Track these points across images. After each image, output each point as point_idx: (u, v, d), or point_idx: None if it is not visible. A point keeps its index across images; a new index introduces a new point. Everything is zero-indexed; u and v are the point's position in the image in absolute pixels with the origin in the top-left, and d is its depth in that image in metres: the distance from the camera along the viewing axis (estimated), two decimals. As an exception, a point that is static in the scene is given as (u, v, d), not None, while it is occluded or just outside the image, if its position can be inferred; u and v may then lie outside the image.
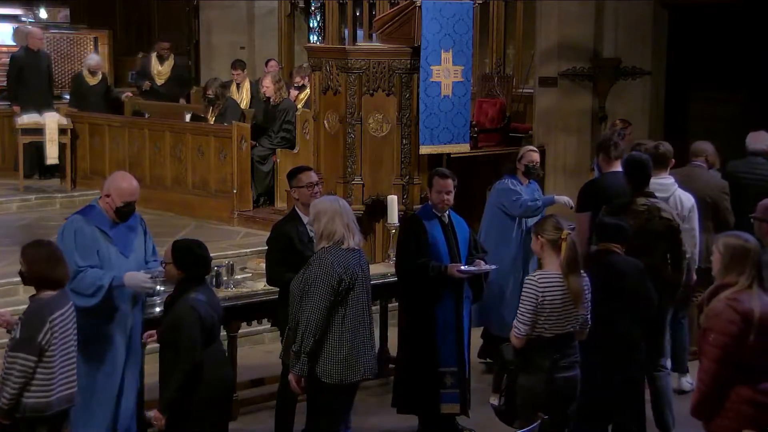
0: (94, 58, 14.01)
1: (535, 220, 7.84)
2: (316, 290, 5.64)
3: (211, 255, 9.28)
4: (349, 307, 5.75)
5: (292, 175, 6.85)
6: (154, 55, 14.20)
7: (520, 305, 5.55)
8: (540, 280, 5.52)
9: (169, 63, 14.15)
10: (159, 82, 14.09)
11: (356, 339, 5.78)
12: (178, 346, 5.45)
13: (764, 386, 4.94)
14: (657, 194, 7.43)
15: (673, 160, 7.89)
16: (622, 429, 6.31)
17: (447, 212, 6.93)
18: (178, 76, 14.29)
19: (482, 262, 6.91)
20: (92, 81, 13.54)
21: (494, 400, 5.84)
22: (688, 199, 7.65)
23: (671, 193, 7.63)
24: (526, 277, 5.68)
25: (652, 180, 7.57)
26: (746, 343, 4.87)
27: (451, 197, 6.87)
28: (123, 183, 6.16)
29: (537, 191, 8.51)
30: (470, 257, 6.94)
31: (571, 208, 8.18)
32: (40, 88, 13.11)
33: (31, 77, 13.04)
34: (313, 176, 6.82)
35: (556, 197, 8.46)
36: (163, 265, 5.77)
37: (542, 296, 5.48)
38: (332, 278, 5.65)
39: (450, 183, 6.86)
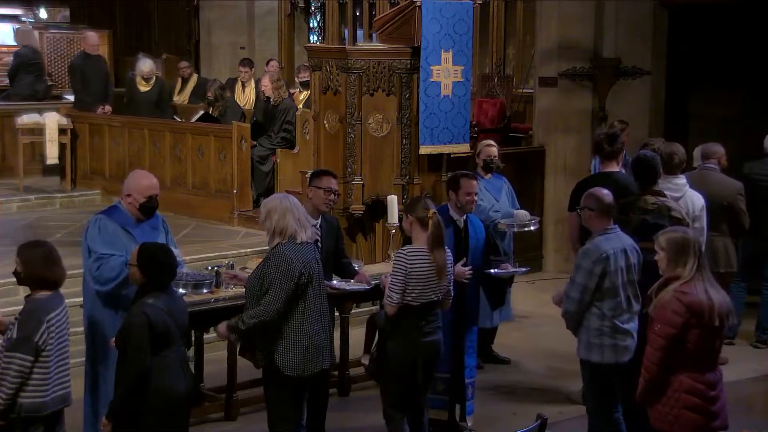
0: (147, 63, 13.00)
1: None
2: (276, 285, 5.71)
3: (211, 255, 9.30)
4: (308, 301, 5.84)
5: (317, 174, 6.91)
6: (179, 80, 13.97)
7: (392, 277, 6.07)
8: (408, 254, 6.05)
9: (192, 83, 13.83)
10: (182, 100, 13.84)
11: (315, 331, 5.88)
12: (126, 350, 5.39)
13: (704, 376, 5.22)
14: (669, 193, 7.50)
15: (685, 162, 7.93)
16: None
17: (464, 217, 6.94)
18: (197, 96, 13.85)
19: (509, 265, 6.97)
20: (145, 87, 12.92)
21: (365, 360, 6.53)
22: (699, 199, 7.71)
23: (683, 193, 7.67)
24: (397, 251, 6.19)
25: (666, 180, 7.62)
26: (690, 333, 5.16)
27: (477, 198, 7.04)
28: (142, 180, 6.27)
29: (505, 184, 8.56)
30: (491, 261, 7.01)
31: (529, 220, 8.33)
32: (102, 89, 12.97)
33: (92, 80, 12.94)
34: (334, 183, 6.83)
35: (515, 211, 8.47)
36: (128, 266, 5.68)
37: (410, 268, 6.00)
38: (293, 273, 5.73)
39: (476, 184, 6.98)
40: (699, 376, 5.22)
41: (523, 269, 7.09)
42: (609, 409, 6.26)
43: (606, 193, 6.24)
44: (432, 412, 6.83)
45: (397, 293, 6.02)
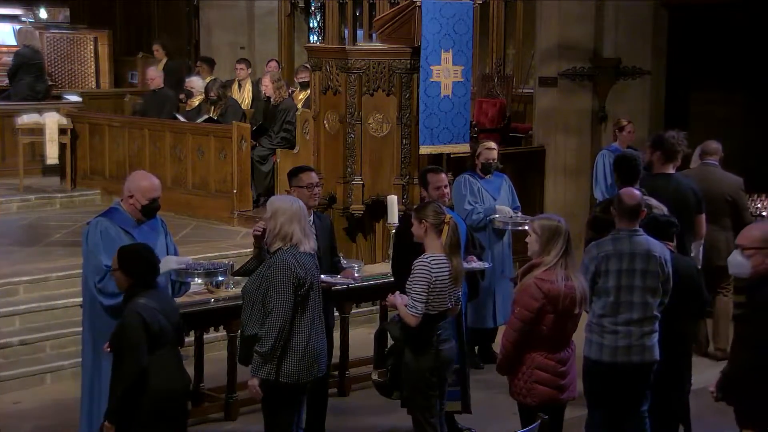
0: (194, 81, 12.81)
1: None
2: (280, 293, 5.64)
3: (211, 255, 9.32)
4: (307, 309, 5.77)
5: (293, 174, 6.83)
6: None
7: (415, 286, 5.84)
8: (432, 262, 5.86)
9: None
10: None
11: (313, 339, 5.81)
12: (122, 352, 5.38)
13: (555, 355, 5.63)
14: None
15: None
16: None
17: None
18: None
19: (474, 259, 6.93)
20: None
21: (375, 375, 6.24)
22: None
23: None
24: (419, 259, 5.92)
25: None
26: (545, 318, 5.53)
27: (448, 190, 7.03)
28: (144, 182, 6.22)
29: (505, 182, 8.60)
30: (465, 254, 6.96)
31: (510, 217, 8.33)
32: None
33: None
34: (313, 177, 6.80)
35: (497, 206, 8.47)
36: (111, 272, 5.63)
37: (434, 276, 5.83)
38: (294, 279, 5.65)
39: (444, 177, 6.99)
40: (550, 354, 5.62)
41: (487, 265, 7.10)
42: (596, 405, 6.23)
43: (630, 196, 6.12)
44: (447, 405, 6.84)
45: (422, 302, 5.81)
